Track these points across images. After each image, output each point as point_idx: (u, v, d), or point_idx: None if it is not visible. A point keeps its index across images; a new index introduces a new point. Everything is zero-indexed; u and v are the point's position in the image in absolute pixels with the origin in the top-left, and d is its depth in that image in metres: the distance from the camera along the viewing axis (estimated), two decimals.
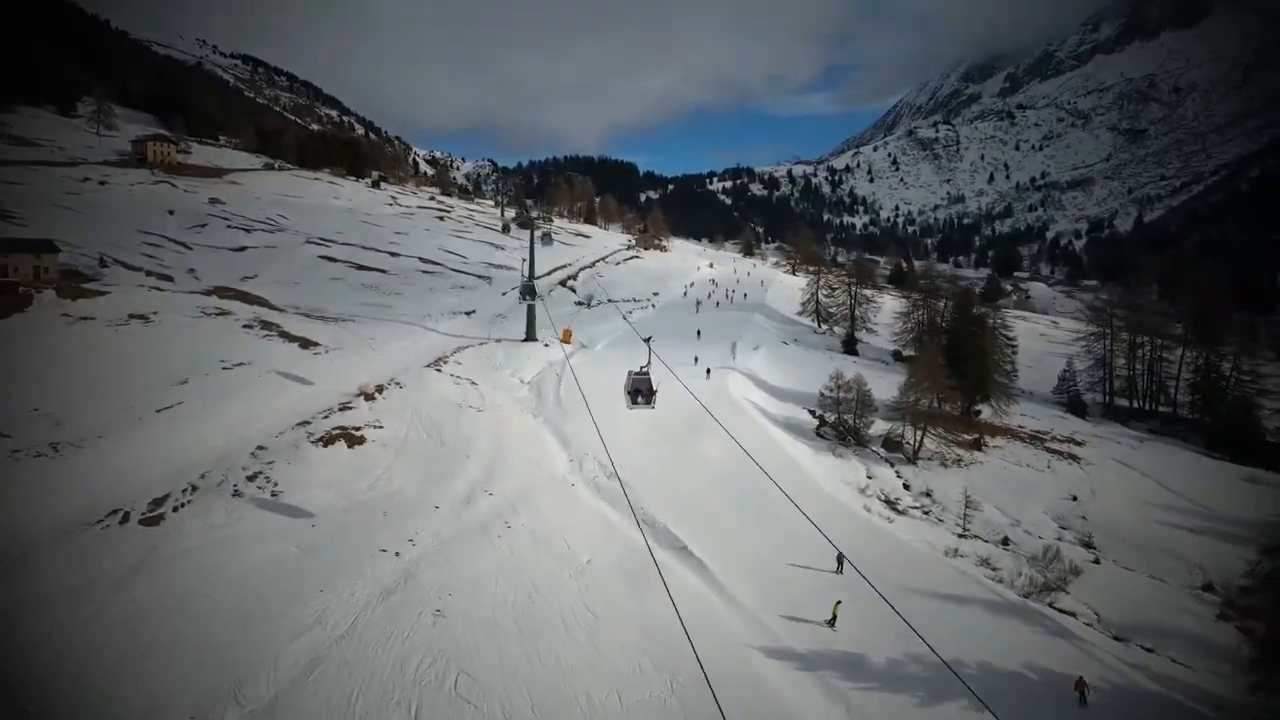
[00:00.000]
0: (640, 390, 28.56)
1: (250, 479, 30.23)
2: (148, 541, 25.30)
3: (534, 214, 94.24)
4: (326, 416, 37.43)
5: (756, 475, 38.51)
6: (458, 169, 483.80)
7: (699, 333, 65.96)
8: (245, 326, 49.22)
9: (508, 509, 31.31)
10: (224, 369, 41.77)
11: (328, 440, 34.98)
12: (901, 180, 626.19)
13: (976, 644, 24.65)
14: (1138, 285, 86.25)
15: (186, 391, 38.09)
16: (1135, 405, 69.04)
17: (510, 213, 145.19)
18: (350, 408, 39.10)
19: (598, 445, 39.19)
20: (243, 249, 75.78)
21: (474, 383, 47.31)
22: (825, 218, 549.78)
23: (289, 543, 26.40)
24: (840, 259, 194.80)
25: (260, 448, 32.98)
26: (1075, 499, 42.59)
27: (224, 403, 37.52)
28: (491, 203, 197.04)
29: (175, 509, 27.39)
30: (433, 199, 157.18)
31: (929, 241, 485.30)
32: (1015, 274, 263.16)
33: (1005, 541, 37.44)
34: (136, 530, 25.91)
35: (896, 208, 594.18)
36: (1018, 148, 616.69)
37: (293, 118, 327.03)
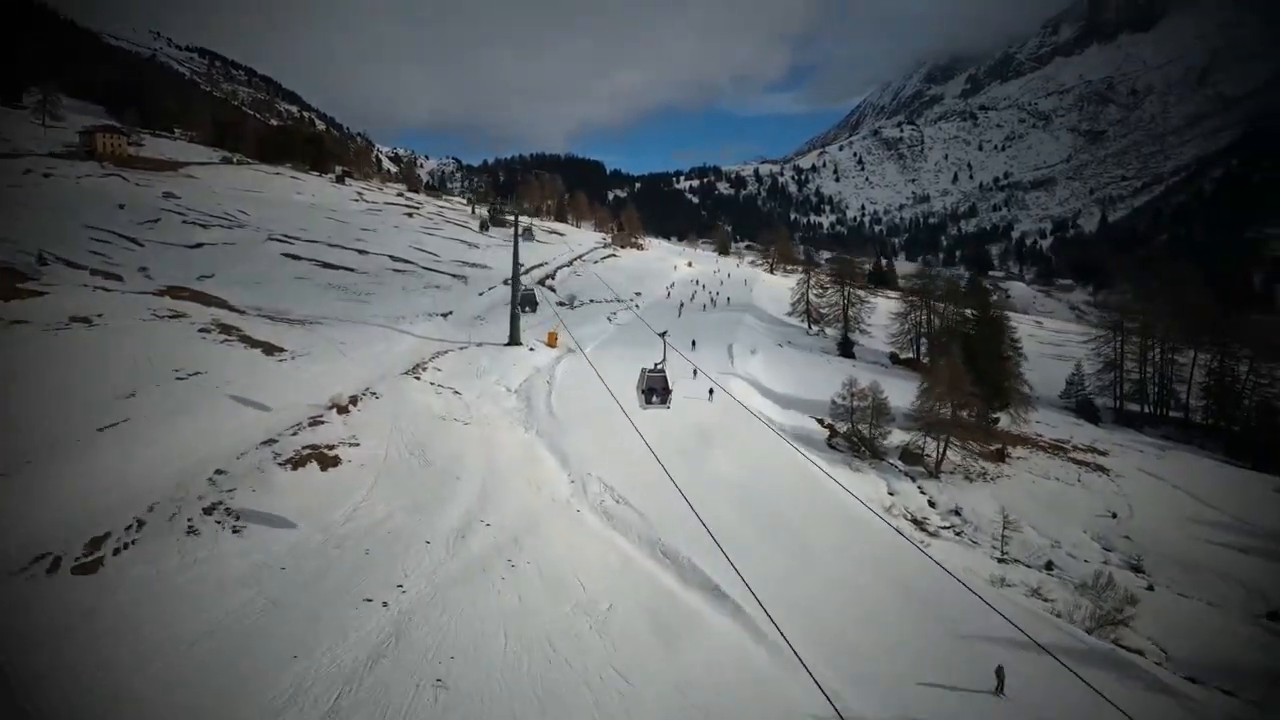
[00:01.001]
0: (655, 389, 26.78)
1: (208, 511, 25.66)
2: (82, 595, 20.80)
3: (513, 212, 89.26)
4: (295, 433, 32.93)
5: (777, 494, 35.30)
6: (421, 167, 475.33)
7: (694, 343, 59.52)
8: (202, 330, 44.40)
9: (509, 543, 27.03)
10: (178, 379, 36.93)
11: (297, 462, 30.56)
12: (867, 180, 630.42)
13: (1073, 708, 21.09)
14: (1112, 285, 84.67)
15: (134, 406, 33.21)
16: (1146, 410, 66.71)
17: (482, 210, 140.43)
18: (322, 422, 34.62)
19: (600, 463, 35.66)
20: (199, 246, 70.60)
21: (457, 392, 43.08)
22: (793, 217, 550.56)
23: (255, 592, 22.04)
24: (815, 258, 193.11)
25: (219, 471, 28.36)
26: (1114, 516, 39.60)
27: (177, 419, 32.65)
28: (462, 200, 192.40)
29: (116, 551, 22.87)
30: (400, 195, 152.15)
31: (896, 241, 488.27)
32: (990, 273, 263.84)
33: (1049, 566, 34.28)
34: (68, 580, 21.39)
35: (863, 207, 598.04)
36: (980, 148, 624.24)
37: (251, 113, 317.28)
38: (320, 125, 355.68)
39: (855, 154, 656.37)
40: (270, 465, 29.62)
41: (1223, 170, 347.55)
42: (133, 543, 23.42)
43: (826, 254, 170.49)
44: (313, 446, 31.90)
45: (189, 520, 24.93)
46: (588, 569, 26.18)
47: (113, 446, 29.39)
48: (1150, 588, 33.25)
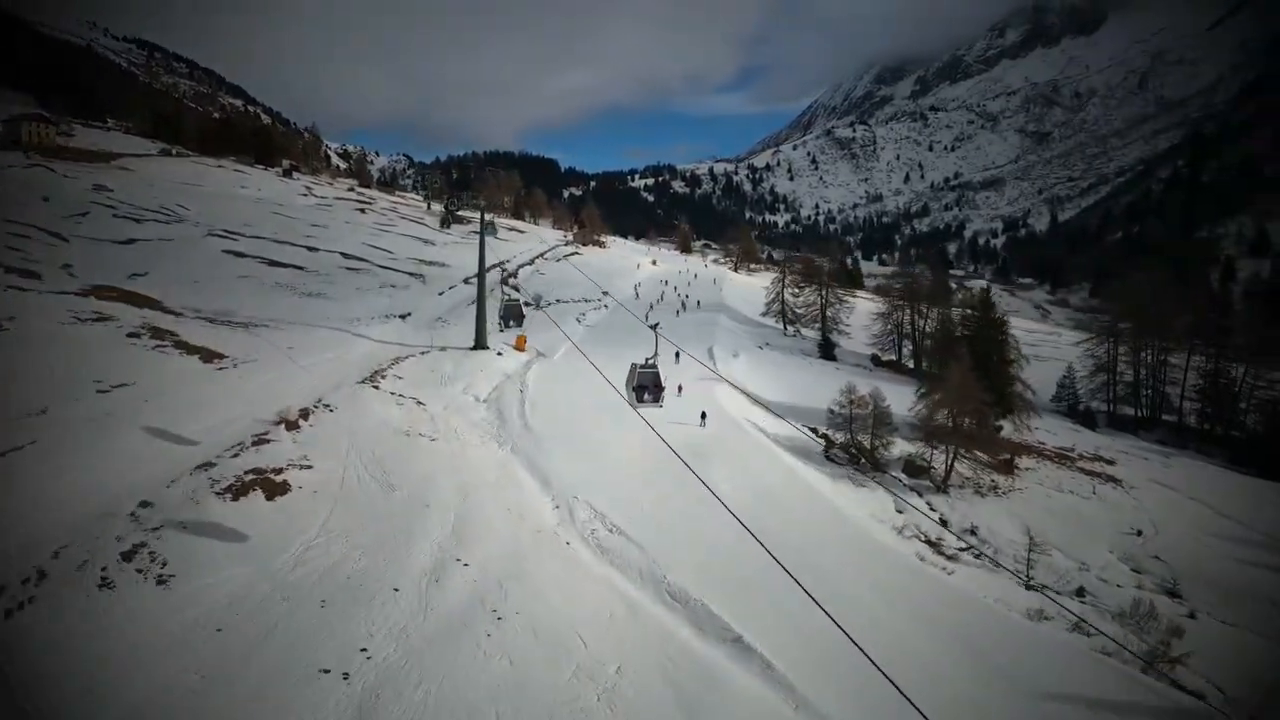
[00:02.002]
0: (646, 385, 24.29)
1: (127, 556, 21.13)
2: None
3: (476, 206, 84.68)
4: (237, 454, 28.38)
5: (785, 518, 31.81)
6: (372, 163, 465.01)
7: (678, 355, 52.59)
8: (131, 335, 39.58)
9: (493, 588, 22.90)
10: (99, 392, 32.15)
11: (239, 489, 26.04)
12: (821, 179, 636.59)
13: None
14: (1070, 283, 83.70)
15: (45, 425, 28.32)
16: (1140, 414, 64.89)
17: (438, 205, 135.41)
18: (268, 440, 30.09)
19: (586, 484, 31.82)
20: (131, 241, 64.92)
21: (421, 403, 38.75)
22: (748, 215, 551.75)
23: (184, 665, 17.68)
24: (776, 257, 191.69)
25: (144, 504, 23.71)
26: (1139, 534, 36.78)
27: (96, 440, 27.80)
28: (416, 196, 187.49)
29: (9, 614, 18.34)
30: (351, 190, 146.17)
31: (851, 240, 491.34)
32: (951, 272, 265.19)
33: (1080, 592, 31.27)
34: None
35: (817, 206, 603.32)
36: (931, 148, 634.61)
37: (193, 105, 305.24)
38: (266, 119, 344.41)
39: (809, 153, 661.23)
40: (206, 495, 25.12)
41: (1170, 170, 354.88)
42: (30, 601, 18.91)
43: (793, 253, 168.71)
44: (257, 470, 27.46)
45: (103, 569, 20.42)
46: (586, 619, 22.16)
47: (14, 476, 24.55)
48: (1192, 615, 30.42)
